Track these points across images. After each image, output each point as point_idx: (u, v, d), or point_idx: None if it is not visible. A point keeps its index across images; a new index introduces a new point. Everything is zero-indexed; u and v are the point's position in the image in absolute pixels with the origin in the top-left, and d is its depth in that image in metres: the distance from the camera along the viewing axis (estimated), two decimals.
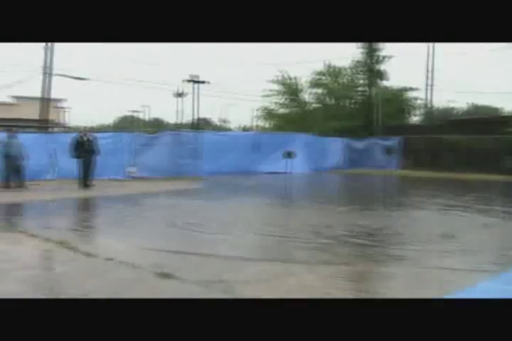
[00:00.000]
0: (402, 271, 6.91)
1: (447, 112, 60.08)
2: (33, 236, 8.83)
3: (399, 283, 6.43)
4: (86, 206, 14.45)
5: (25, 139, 18.64)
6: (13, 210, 12.95)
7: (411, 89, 41.15)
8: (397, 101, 40.29)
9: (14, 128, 18.87)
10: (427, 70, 42.62)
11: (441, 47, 52.74)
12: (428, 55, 41.63)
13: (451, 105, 67.07)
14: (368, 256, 7.91)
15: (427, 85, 42.40)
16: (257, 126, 58.11)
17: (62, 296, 5.57)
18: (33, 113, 37.78)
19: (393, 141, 29.82)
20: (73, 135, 19.73)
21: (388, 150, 16.79)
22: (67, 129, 52.34)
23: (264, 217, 12.30)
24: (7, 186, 16.85)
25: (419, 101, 42.45)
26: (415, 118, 44.97)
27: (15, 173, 17.12)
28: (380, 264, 7.36)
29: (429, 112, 43.90)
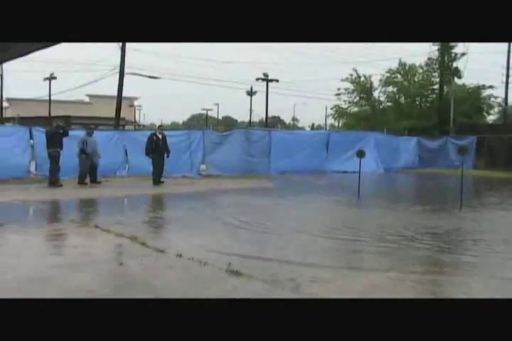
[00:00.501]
0: (469, 280, 6.66)
1: None
2: (106, 231, 9.03)
3: (464, 292, 6.21)
4: (157, 203, 14.68)
5: (100, 137, 19.14)
6: (88, 206, 13.28)
7: (490, 87, 40.10)
8: (473, 99, 39.35)
9: (93, 126, 19.47)
10: (507, 67, 41.31)
11: None
12: (509, 51, 40.32)
13: None
14: (436, 262, 7.73)
15: (507, 83, 41.08)
16: (331, 124, 57.93)
17: (129, 292, 5.68)
18: (106, 111, 38.72)
19: (468, 141, 29.11)
20: (145, 133, 20.20)
21: (461, 150, 16.40)
22: (141, 127, 53.43)
23: (335, 217, 12.18)
24: (83, 182, 17.33)
25: (495, 100, 41.29)
26: (492, 117, 43.83)
27: (91, 170, 17.62)
28: (447, 272, 7.19)
29: (506, 111, 42.64)
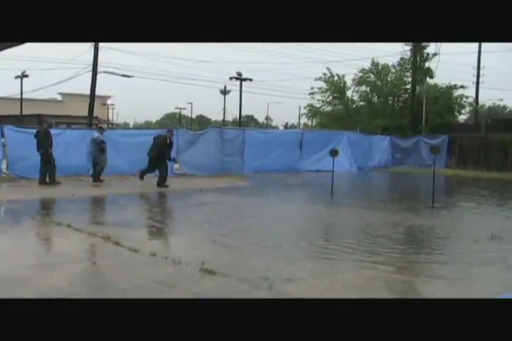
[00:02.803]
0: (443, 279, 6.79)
1: (496, 111, 58.96)
2: (79, 230, 8.97)
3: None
4: (130, 202, 14.57)
5: (73, 136, 19.08)
6: (61, 205, 13.18)
7: (462, 87, 40.57)
8: (445, 99, 39.77)
9: (103, 127, 19.62)
10: (478, 68, 41.85)
11: (491, 44, 51.70)
12: (479, 52, 40.86)
13: (501, 103, 65.86)
14: (410, 262, 7.82)
15: (477, 83, 41.64)
16: (304, 123, 58.20)
17: (104, 293, 5.67)
18: (79, 110, 38.43)
19: (440, 140, 29.42)
20: (120, 132, 20.19)
21: (433, 149, 16.62)
22: (114, 126, 53.16)
23: (306, 217, 12.28)
24: (99, 180, 17.63)
25: (466, 99, 41.79)
26: (463, 117, 44.34)
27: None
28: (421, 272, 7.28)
29: (477, 110, 43.19)
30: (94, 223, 10.06)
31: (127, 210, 12.49)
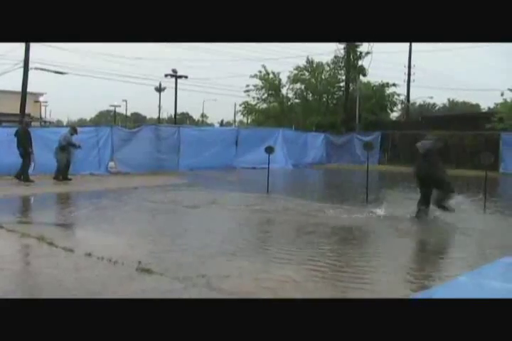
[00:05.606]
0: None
1: (426, 108, 60.30)
2: (12, 231, 8.81)
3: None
4: (65, 202, 14.36)
5: (4, 134, 18.66)
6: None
7: (393, 85, 41.43)
8: (378, 96, 40.53)
9: (76, 128, 19.95)
10: (408, 66, 42.85)
11: (421, 44, 53.00)
12: (410, 52, 41.84)
13: (431, 101, 67.33)
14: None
15: (408, 81, 42.63)
16: (240, 121, 58.29)
17: (41, 293, 5.60)
18: (10, 107, 37.41)
19: (373, 137, 30.03)
20: (53, 130, 20.01)
21: (366, 146, 16.97)
22: (47, 124, 52.05)
23: (246, 215, 12.35)
24: (58, 178, 18.15)
25: (398, 97, 42.71)
26: (395, 114, 45.29)
27: (66, 167, 18.53)
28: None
29: (408, 108, 44.18)
30: (25, 223, 9.87)
31: (58, 210, 12.32)
